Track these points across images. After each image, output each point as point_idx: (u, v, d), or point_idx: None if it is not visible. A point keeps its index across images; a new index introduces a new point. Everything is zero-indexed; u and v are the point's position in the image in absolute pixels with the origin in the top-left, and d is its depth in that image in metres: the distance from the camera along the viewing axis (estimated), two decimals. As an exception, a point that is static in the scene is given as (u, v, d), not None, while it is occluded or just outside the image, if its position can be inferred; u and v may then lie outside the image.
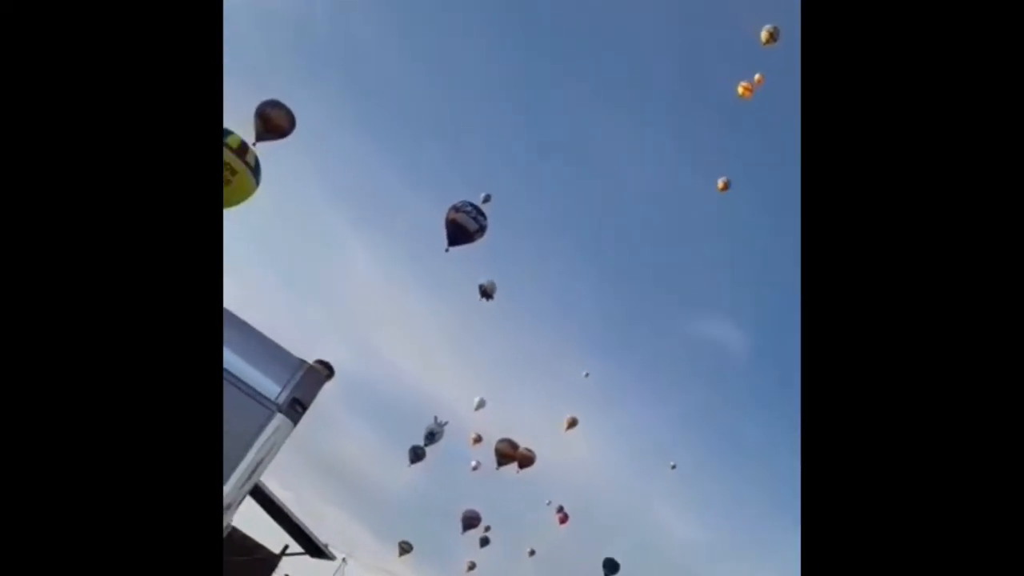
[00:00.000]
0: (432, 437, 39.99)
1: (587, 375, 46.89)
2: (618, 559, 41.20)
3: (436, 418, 40.60)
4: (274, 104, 27.75)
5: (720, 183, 35.64)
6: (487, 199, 36.13)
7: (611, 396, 76.60)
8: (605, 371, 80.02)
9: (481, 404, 42.78)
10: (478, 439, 42.78)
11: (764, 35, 31.94)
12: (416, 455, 40.13)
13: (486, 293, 37.01)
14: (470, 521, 41.56)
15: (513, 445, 39.24)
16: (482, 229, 31.51)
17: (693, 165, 73.39)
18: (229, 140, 23.11)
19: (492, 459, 39.98)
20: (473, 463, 43.89)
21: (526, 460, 39.20)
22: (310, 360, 5.12)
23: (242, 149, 23.53)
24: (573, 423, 42.31)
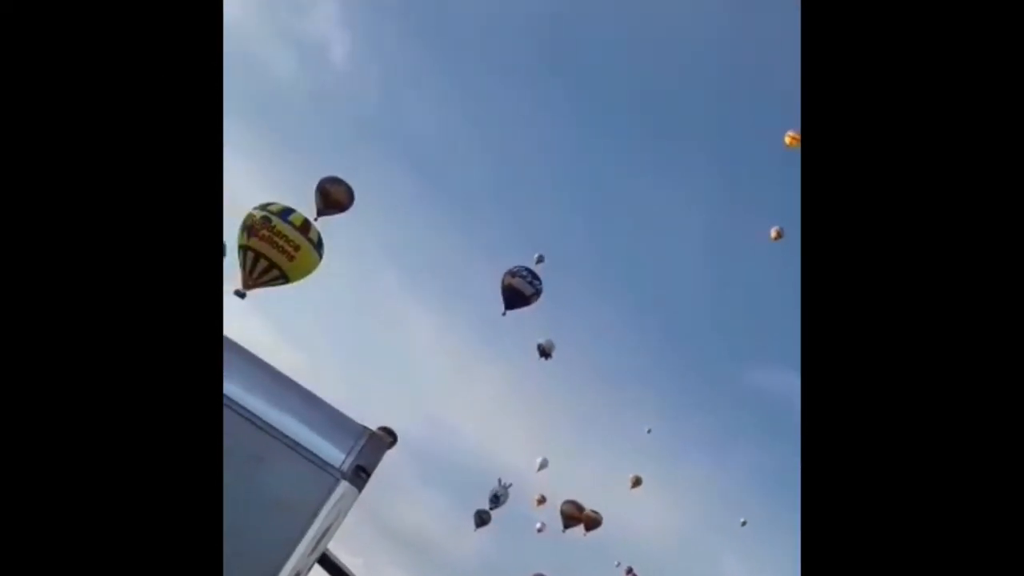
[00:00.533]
0: (497, 500, 40.52)
1: (649, 431, 46.57)
2: None
3: (500, 480, 41.16)
4: (333, 180, 29.14)
5: (773, 233, 36.12)
6: (540, 260, 37.13)
7: (675, 452, 76.19)
8: (667, 427, 79.48)
9: (544, 464, 43.05)
10: (542, 500, 42.98)
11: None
12: (481, 519, 40.57)
13: (544, 352, 37.57)
14: (537, 582, 41.88)
15: (578, 507, 39.59)
16: (538, 293, 32.62)
17: (745, 215, 73.53)
18: (292, 218, 24.56)
19: (558, 521, 40.31)
20: (538, 525, 44.15)
21: (592, 522, 39.48)
22: (373, 428, 5.23)
23: (305, 226, 24.88)
24: (638, 481, 42.57)
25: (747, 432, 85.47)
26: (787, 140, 33.48)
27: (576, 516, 39.36)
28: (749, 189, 70.83)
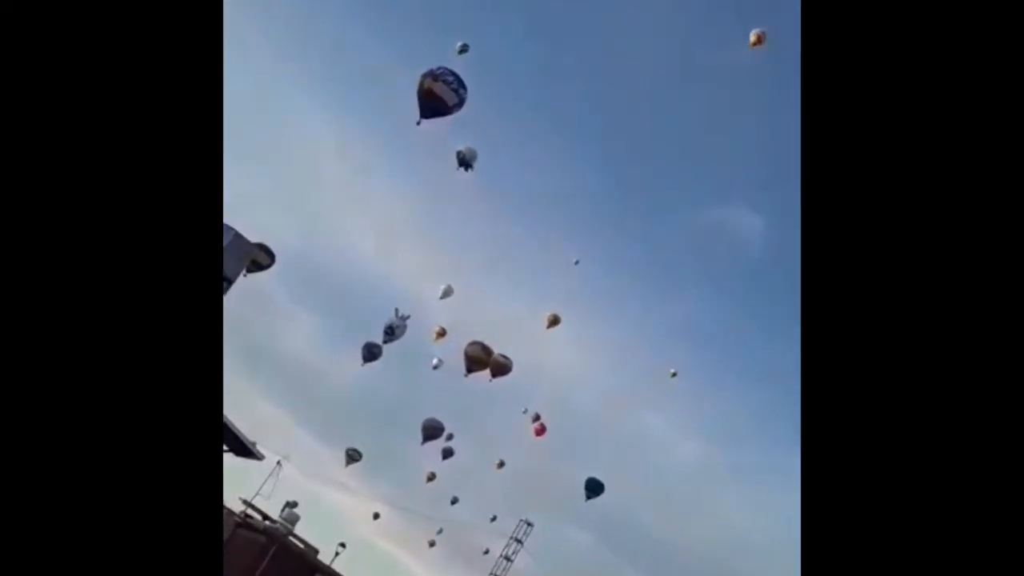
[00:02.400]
0: (391, 332, 36.78)
1: (577, 263, 43.11)
2: (602, 479, 39.00)
3: (397, 311, 37.42)
4: None
5: (753, 37, 31.95)
6: (464, 49, 32.61)
7: (603, 290, 71.51)
8: (598, 260, 73.91)
9: (448, 292, 39.38)
10: (442, 333, 39.66)
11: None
12: (371, 353, 37.11)
13: (464, 161, 33.11)
14: (431, 431, 38.89)
15: (486, 350, 36.12)
16: (461, 102, 28.49)
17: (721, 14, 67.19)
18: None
19: (458, 359, 37.22)
20: (434, 361, 40.97)
21: (501, 368, 36.25)
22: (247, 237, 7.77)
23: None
24: (555, 321, 39.34)
25: (690, 276, 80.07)
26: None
27: (482, 360, 35.99)
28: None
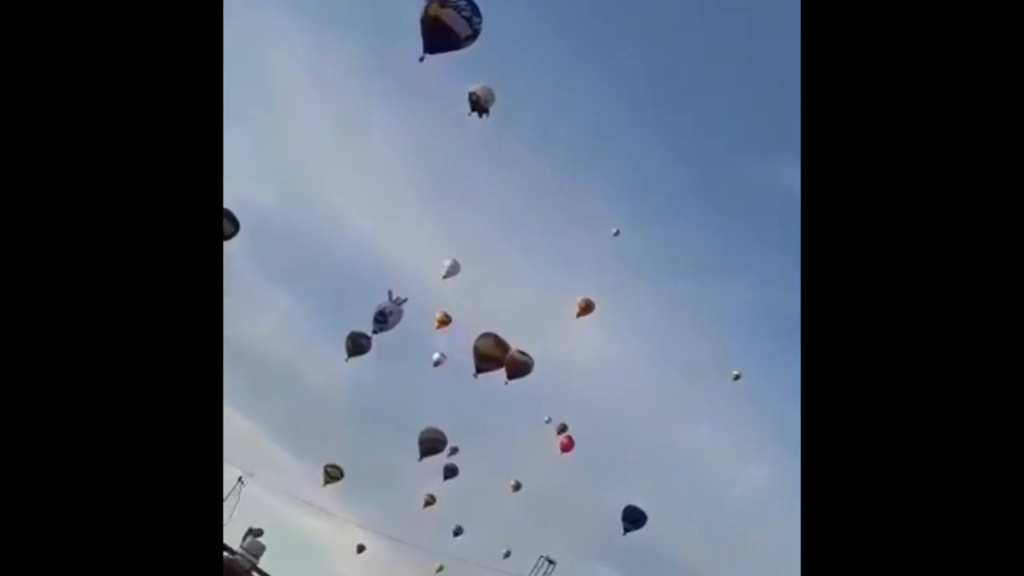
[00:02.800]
0: (384, 319, 31.09)
1: (617, 234, 36.37)
2: (644, 508, 33.19)
3: (391, 293, 31.48)
4: None
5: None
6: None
7: (649, 268, 61.27)
8: (642, 231, 63.65)
9: (453, 270, 33.49)
10: (445, 321, 34.03)
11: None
12: (357, 345, 31.51)
13: (479, 105, 27.04)
14: (431, 443, 33.10)
15: (501, 344, 30.20)
16: (475, 34, 23.46)
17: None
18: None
19: (466, 356, 31.37)
20: (436, 356, 35.15)
21: (519, 367, 30.39)
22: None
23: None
24: (588, 307, 33.74)
25: (760, 250, 68.43)
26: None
27: (495, 357, 30.23)
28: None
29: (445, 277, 33.43)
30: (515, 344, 30.75)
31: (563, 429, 35.60)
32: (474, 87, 27.03)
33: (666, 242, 62.76)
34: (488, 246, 59.07)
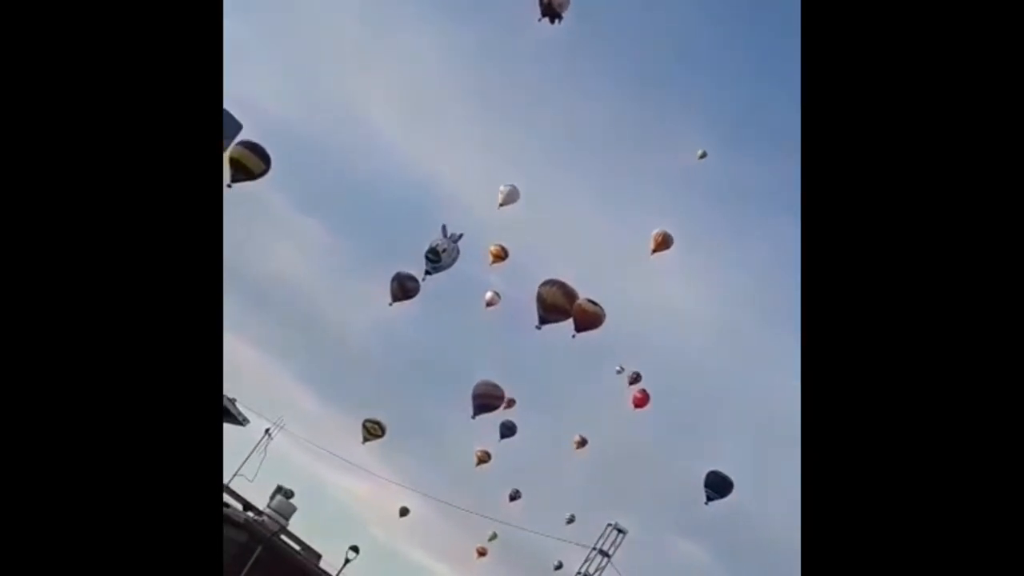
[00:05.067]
0: (437, 259, 29.17)
1: (703, 156, 33.88)
2: (728, 474, 31.15)
3: (445, 228, 29.24)
4: None
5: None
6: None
7: (739, 196, 56.66)
8: (733, 152, 58.16)
9: (512, 197, 31.23)
10: (501, 254, 31.82)
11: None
12: (404, 288, 29.46)
13: (551, 9, 24.98)
14: (486, 399, 31.02)
15: (568, 293, 28.08)
16: None
17: None
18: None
19: (524, 297, 29.59)
20: (488, 295, 33.10)
21: (589, 318, 28.18)
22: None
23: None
24: (665, 242, 31.59)
25: None
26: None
27: (562, 307, 28.18)
28: None
29: (502, 205, 31.35)
30: (583, 288, 28.61)
31: (636, 379, 33.59)
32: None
33: (756, 172, 58.91)
34: (552, 171, 54.49)
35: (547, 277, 28.72)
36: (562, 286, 28.19)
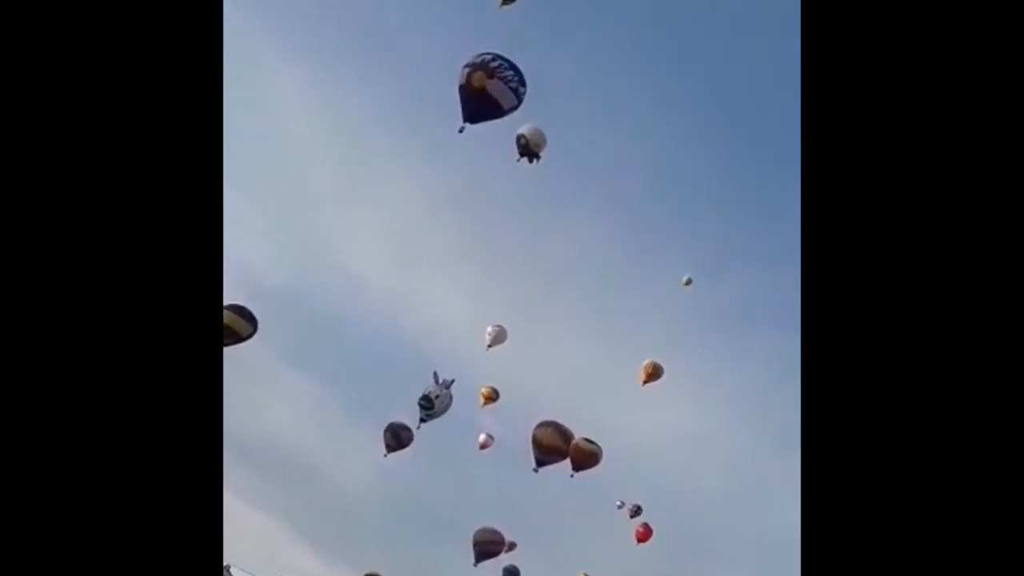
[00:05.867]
0: (430, 406, 28.94)
1: (689, 283, 34.36)
2: None
3: (436, 374, 29.13)
4: None
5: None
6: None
7: (729, 320, 56.52)
8: (720, 278, 59.24)
9: (499, 338, 31.45)
10: (492, 396, 32.12)
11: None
12: (397, 438, 29.36)
13: (529, 149, 25.15)
14: (487, 545, 30.92)
15: (563, 433, 28.27)
16: (519, 103, 22.42)
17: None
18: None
19: (516, 435, 29.93)
20: (481, 437, 33.25)
21: (586, 457, 28.43)
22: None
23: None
24: (655, 372, 31.83)
25: None
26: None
27: (558, 448, 28.21)
28: None
29: (490, 346, 31.49)
30: (577, 425, 28.86)
31: (636, 513, 33.52)
32: (522, 129, 25.16)
33: (743, 294, 58.78)
34: (538, 308, 53.69)
35: (539, 415, 28.69)
36: (557, 427, 28.38)
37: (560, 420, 28.82)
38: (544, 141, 25.49)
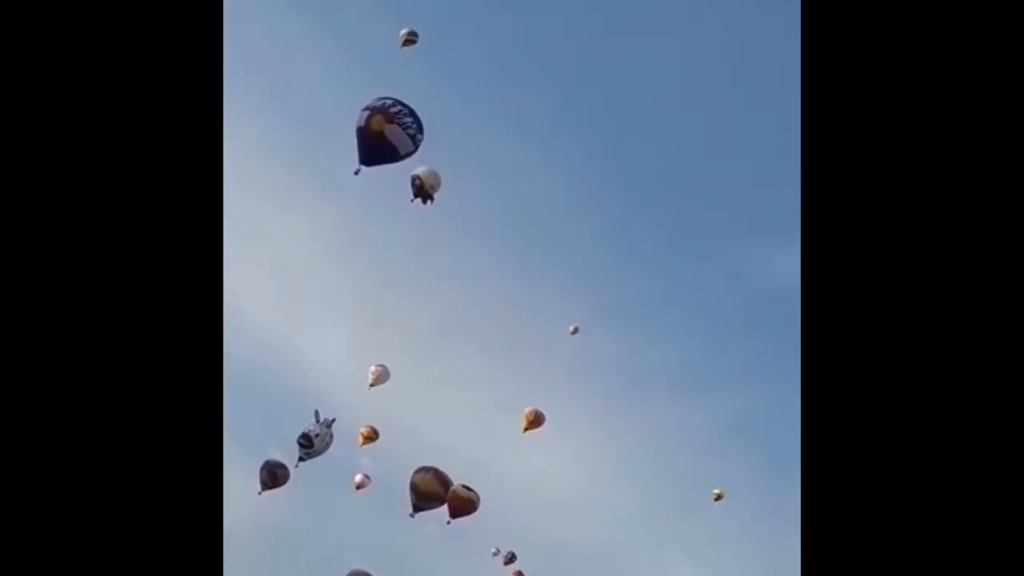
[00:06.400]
0: (309, 444, 28.72)
1: (575, 332, 34.68)
2: None
3: (317, 413, 29.06)
4: None
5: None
6: (411, 40, 27.71)
7: (615, 371, 57.23)
8: (606, 327, 59.27)
9: (382, 377, 31.36)
10: (371, 436, 31.86)
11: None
12: (273, 476, 28.95)
13: (424, 191, 25.34)
14: (357, 588, 30.65)
15: (442, 480, 28.41)
16: (416, 149, 22.86)
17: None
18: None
19: (395, 474, 29.94)
20: (358, 478, 32.83)
21: (463, 504, 28.46)
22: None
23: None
24: (536, 420, 32.06)
25: (753, 353, 62.98)
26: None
27: (436, 494, 28.29)
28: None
29: (372, 386, 31.29)
30: (457, 469, 29.02)
31: (511, 560, 33.53)
32: (417, 170, 25.09)
33: (638, 341, 59.28)
34: (423, 349, 51.34)
35: (420, 458, 28.67)
36: (436, 473, 28.48)
37: (441, 464, 28.97)
38: (439, 183, 25.54)
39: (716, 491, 34.64)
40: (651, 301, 60.60)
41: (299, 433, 28.83)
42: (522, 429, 31.69)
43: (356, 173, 22.30)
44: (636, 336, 58.60)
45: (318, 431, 28.70)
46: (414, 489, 28.17)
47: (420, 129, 22.19)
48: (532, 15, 55.63)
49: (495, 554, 33.78)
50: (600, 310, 58.84)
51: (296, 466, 28.67)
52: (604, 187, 59.42)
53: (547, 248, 59.02)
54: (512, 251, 57.94)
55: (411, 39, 27.33)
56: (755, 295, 57.99)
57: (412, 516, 28.27)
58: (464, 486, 28.69)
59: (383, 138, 21.82)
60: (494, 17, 55.71)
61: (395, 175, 25.20)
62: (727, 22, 55.94)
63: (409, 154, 22.50)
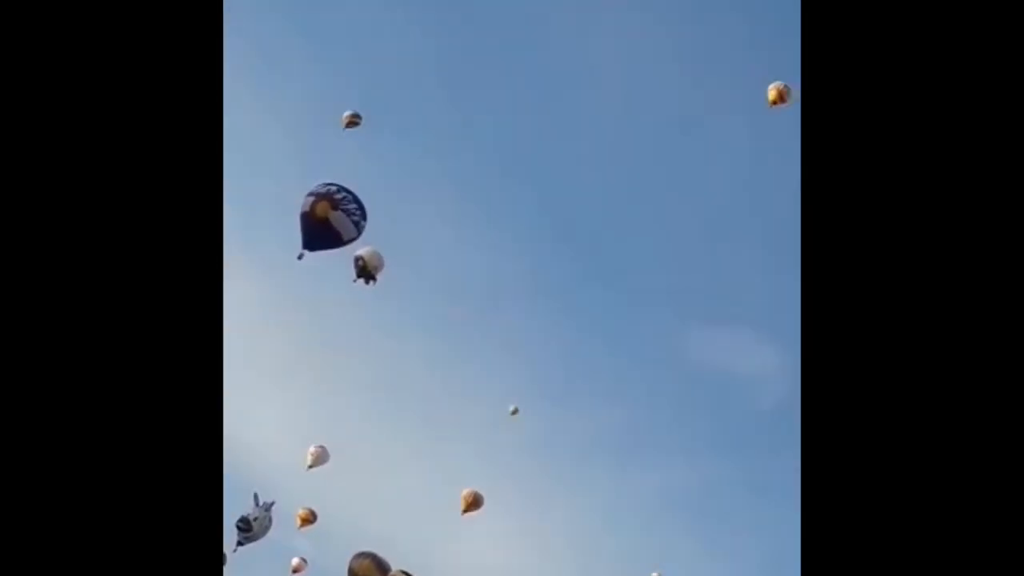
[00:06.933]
0: (248, 528, 28.16)
1: (515, 412, 34.38)
2: None
3: (256, 496, 28.29)
4: None
5: (772, 92, 27.17)
6: (354, 122, 28.50)
7: (556, 450, 56.84)
8: (546, 411, 58.91)
9: (321, 458, 31.33)
10: (310, 518, 31.52)
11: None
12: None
13: (366, 271, 25.36)
14: None
15: (380, 566, 27.94)
16: (359, 235, 23.26)
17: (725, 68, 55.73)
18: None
19: (333, 559, 27.07)
20: (294, 561, 32.18)
21: (401, 590, 27.95)
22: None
23: None
24: (475, 502, 31.86)
25: (704, 429, 64.44)
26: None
27: None
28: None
29: (311, 467, 31.18)
30: (397, 553, 28.51)
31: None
32: (360, 250, 25.03)
33: (583, 426, 59.26)
34: (363, 427, 51.69)
35: (359, 540, 28.00)
36: (374, 558, 28.21)
37: (380, 547, 28.75)
38: (382, 264, 25.64)
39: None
40: (595, 373, 60.69)
41: (237, 517, 28.83)
42: (461, 511, 31.63)
43: (299, 258, 22.55)
44: (578, 407, 58.70)
45: (257, 514, 28.21)
46: (352, 575, 28.08)
47: (364, 216, 22.56)
48: (481, 90, 56.15)
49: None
50: (543, 382, 58.86)
51: (234, 551, 28.36)
52: (551, 258, 59.68)
53: (490, 323, 59.04)
54: (456, 331, 57.94)
55: (354, 120, 27.82)
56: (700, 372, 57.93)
57: (350, 604, 28.08)
58: (403, 571, 28.56)
59: (327, 224, 22.17)
60: (440, 85, 56.11)
61: (341, 255, 25.60)
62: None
63: (352, 240, 22.83)
